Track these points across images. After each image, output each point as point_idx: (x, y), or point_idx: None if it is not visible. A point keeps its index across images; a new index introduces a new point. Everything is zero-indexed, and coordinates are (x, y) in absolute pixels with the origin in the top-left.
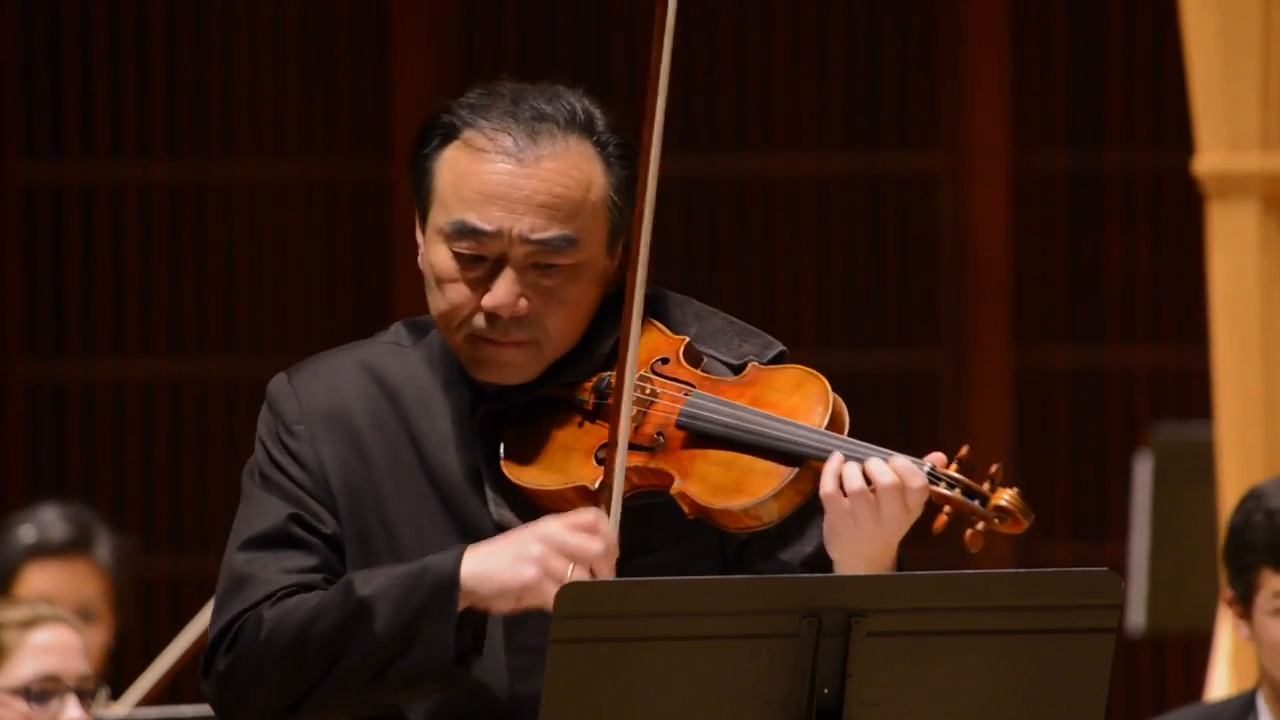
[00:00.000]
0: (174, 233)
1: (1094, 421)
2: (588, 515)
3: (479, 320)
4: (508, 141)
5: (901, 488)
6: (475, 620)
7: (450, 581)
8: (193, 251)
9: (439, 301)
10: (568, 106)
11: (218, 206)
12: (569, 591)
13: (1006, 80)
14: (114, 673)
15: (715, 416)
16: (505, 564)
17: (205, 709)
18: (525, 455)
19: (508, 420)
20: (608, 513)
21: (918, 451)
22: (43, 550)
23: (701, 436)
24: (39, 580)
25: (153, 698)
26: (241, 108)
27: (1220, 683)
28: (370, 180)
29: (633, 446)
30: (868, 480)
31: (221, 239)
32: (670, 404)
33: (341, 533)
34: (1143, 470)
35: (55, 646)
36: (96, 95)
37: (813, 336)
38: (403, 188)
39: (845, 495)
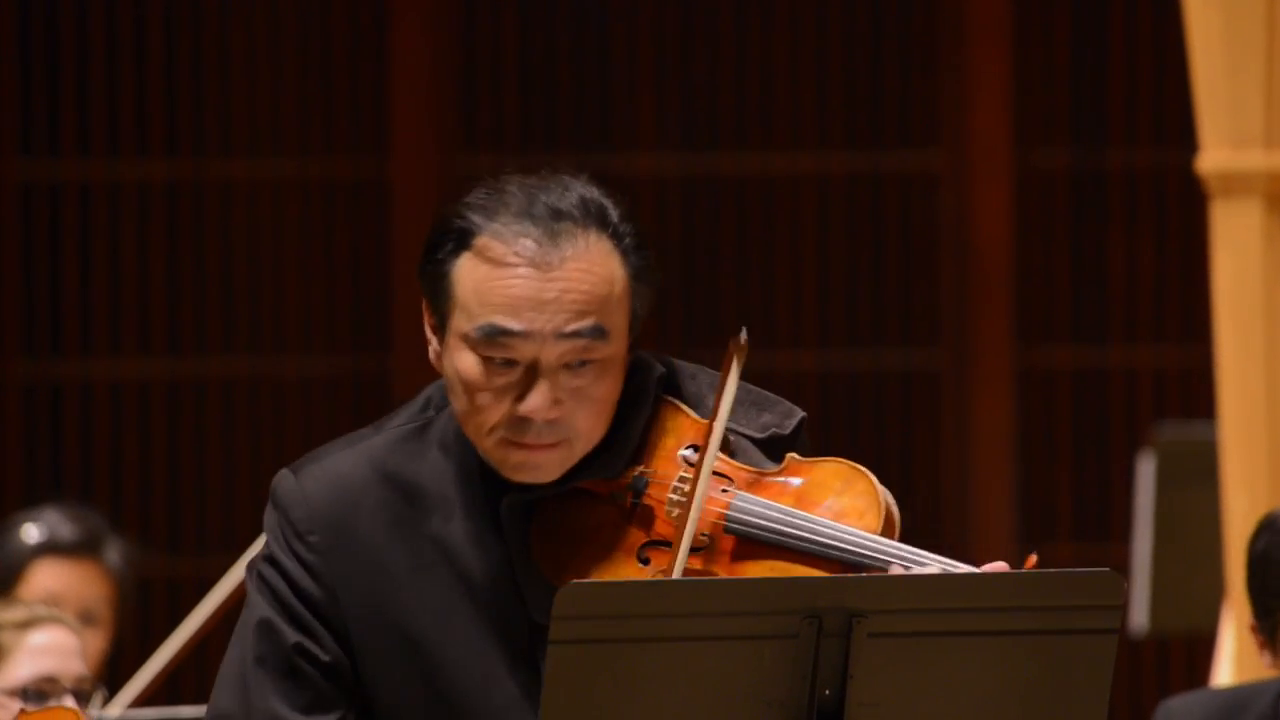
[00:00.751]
0: (171, 231)
1: (1097, 421)
2: None
3: (513, 426)
4: (529, 246)
5: None
6: None
7: None
8: (190, 250)
9: (466, 407)
10: (580, 199)
11: (215, 205)
12: (569, 593)
13: (1009, 78)
14: (110, 674)
15: (765, 522)
16: None
17: (203, 710)
18: (562, 555)
19: (535, 511)
20: None
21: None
22: (53, 548)
23: (751, 542)
24: (47, 577)
25: (146, 697)
26: (239, 106)
27: (1223, 683)
28: (368, 179)
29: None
30: None
31: (219, 238)
32: (710, 505)
33: (347, 660)
34: (1146, 470)
35: (52, 648)
36: (93, 93)
37: (814, 336)
38: (401, 186)
39: None
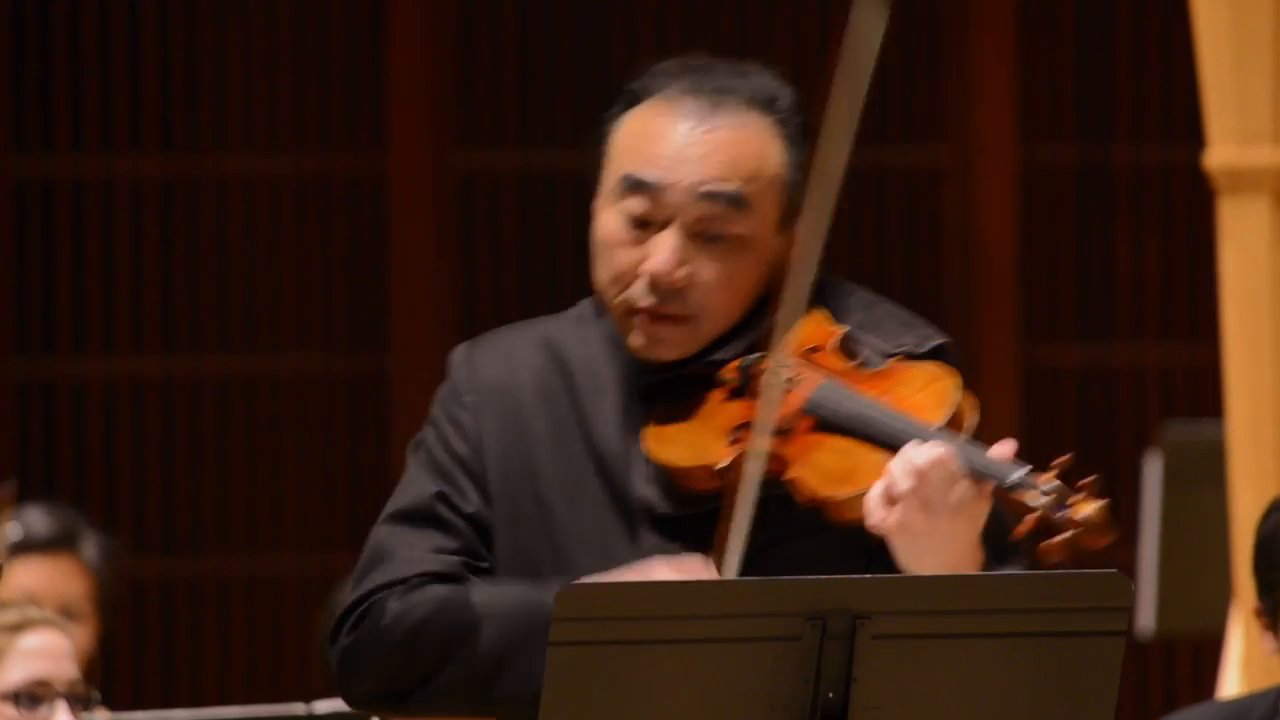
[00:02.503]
0: (166, 228)
1: (1103, 420)
2: (695, 563)
3: (639, 287)
4: (689, 105)
5: (923, 472)
6: None
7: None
8: (185, 247)
9: (602, 269)
10: (755, 84)
11: (210, 201)
12: (568, 594)
13: (1014, 73)
14: (105, 677)
15: (837, 405)
16: None
17: (198, 713)
18: (667, 430)
19: (662, 395)
20: (731, 507)
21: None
22: (27, 545)
23: (825, 424)
24: (22, 575)
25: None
26: (235, 100)
27: (1231, 687)
28: (366, 175)
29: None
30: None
31: (214, 234)
32: (801, 391)
33: (488, 512)
34: (1153, 470)
35: (45, 651)
36: (87, 88)
37: None
38: (399, 182)
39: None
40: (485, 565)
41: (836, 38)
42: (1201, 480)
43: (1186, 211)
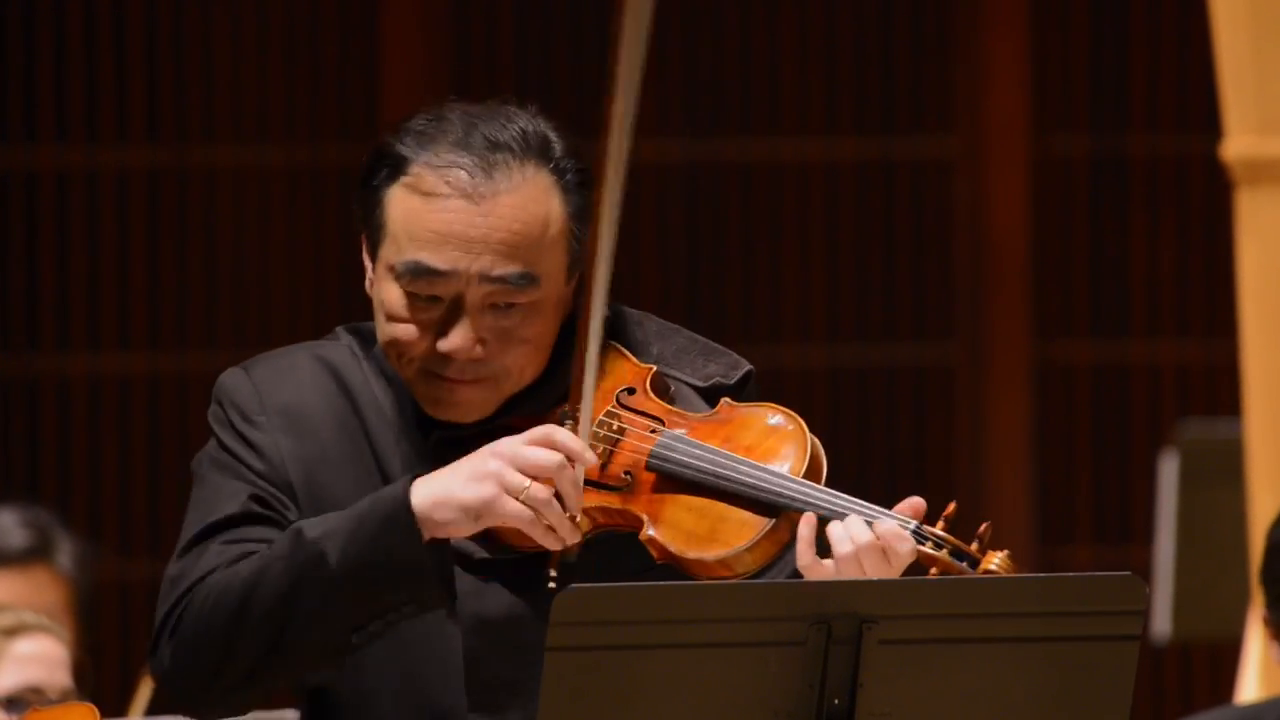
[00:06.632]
0: (153, 221)
1: (1117, 419)
2: (543, 428)
3: (433, 359)
4: (461, 177)
5: (883, 550)
6: (440, 549)
7: (402, 505)
8: (172, 241)
9: (389, 335)
10: (520, 131)
11: (198, 193)
12: (568, 597)
13: (1026, 61)
14: (95, 682)
15: (687, 459)
16: (460, 484)
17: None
18: None
19: (466, 445)
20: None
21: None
22: None
23: (673, 480)
24: None
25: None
26: (223, 90)
27: (1250, 692)
28: (358, 166)
29: (601, 486)
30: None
31: (202, 227)
32: (638, 442)
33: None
34: (1168, 470)
35: (39, 657)
36: (72, 77)
37: (822, 330)
38: None
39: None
40: None
41: (843, 15)
42: (1219, 480)
43: (1203, 204)
